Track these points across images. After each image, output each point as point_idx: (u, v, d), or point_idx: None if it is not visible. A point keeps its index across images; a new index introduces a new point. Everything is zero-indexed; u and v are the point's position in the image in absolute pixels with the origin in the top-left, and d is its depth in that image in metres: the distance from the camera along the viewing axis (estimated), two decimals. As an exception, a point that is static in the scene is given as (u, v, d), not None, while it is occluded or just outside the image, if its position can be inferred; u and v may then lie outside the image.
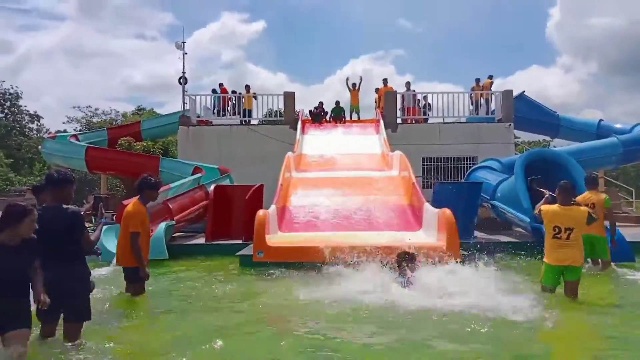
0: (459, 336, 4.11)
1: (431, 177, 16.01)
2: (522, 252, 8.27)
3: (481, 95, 17.49)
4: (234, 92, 17.72)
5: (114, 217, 10.50)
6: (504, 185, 10.36)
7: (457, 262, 7.20)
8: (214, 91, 17.90)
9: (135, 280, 5.54)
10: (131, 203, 5.63)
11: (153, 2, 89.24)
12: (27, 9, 75.22)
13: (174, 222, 9.56)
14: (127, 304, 5.48)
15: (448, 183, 12.47)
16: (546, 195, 5.78)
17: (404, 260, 6.06)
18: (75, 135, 19.22)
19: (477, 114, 17.38)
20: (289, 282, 6.55)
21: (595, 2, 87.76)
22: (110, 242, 8.65)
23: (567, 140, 19.40)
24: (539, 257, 5.71)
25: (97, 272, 7.19)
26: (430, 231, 8.44)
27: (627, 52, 78.78)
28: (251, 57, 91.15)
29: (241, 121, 17.35)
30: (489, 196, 10.74)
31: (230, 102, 17.44)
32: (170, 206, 9.78)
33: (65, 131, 29.60)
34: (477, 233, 10.41)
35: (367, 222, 9.79)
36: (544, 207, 5.26)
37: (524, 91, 18.56)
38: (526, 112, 17.70)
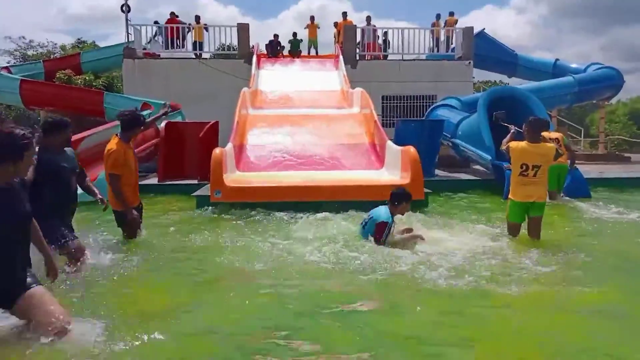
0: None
1: (391, 116, 15.79)
2: (484, 189, 8.32)
3: (442, 32, 17.08)
4: (181, 22, 16.38)
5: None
6: (465, 124, 10.27)
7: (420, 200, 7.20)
8: (156, 22, 16.51)
9: (121, 223, 5.06)
10: (111, 141, 4.96)
11: None
12: None
13: (122, 162, 8.89)
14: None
15: (410, 120, 12.30)
16: (512, 130, 5.62)
17: (404, 200, 4.99)
18: (7, 68, 17.48)
19: (438, 51, 17.04)
20: (255, 225, 6.20)
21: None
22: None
23: (523, 80, 19.57)
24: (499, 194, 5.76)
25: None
26: (393, 170, 8.26)
27: None
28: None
29: (195, 54, 16.22)
30: (450, 134, 10.66)
31: (179, 34, 16.15)
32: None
33: (-5, 64, 26.95)
34: (437, 171, 10.40)
35: (328, 161, 9.49)
36: (513, 144, 5.09)
37: (484, 29, 18.31)
38: (486, 50, 17.52)
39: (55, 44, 34.90)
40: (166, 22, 16.19)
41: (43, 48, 34.50)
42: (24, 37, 34.89)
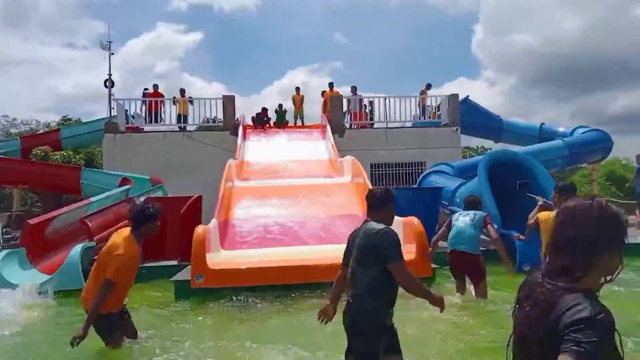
0: None
1: (380, 184, 15.34)
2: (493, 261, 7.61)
3: (426, 100, 17.15)
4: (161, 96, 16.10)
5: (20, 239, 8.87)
6: (464, 190, 9.76)
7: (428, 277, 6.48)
8: (145, 90, 16.23)
9: (104, 329, 3.95)
10: (122, 237, 3.97)
11: (85, 11, 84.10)
12: None
13: (93, 243, 8.06)
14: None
15: (406, 189, 11.79)
16: (540, 203, 5.10)
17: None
18: (-19, 145, 16.85)
19: (424, 118, 17.00)
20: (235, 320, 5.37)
21: (513, 21, 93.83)
22: (10, 271, 7.07)
23: (509, 145, 19.58)
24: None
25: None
26: (393, 243, 7.56)
27: (542, 67, 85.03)
28: (187, 67, 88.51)
29: (179, 127, 15.84)
30: (447, 202, 10.13)
31: (162, 107, 15.85)
32: (90, 224, 8.27)
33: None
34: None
35: (321, 234, 8.79)
36: (543, 216, 4.52)
37: (468, 96, 18.50)
38: (471, 116, 17.56)
39: (39, 121, 34.83)
40: (149, 95, 15.94)
41: (26, 125, 34.35)
42: (6, 115, 34.72)
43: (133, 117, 15.82)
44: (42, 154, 15.72)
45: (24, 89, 68.48)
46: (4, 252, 7.43)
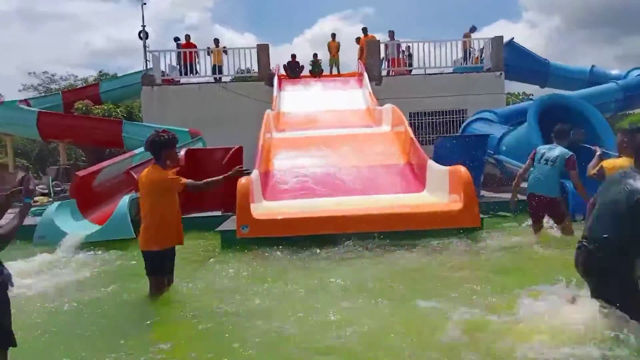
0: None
1: (420, 133, 14.94)
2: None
3: (470, 43, 16.29)
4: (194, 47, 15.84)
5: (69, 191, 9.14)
6: (510, 138, 9.37)
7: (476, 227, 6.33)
8: (176, 39, 16.05)
9: (151, 271, 4.16)
10: (146, 172, 4.19)
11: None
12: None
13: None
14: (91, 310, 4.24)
15: (451, 136, 11.41)
16: (598, 152, 4.80)
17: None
18: (25, 101, 17.26)
19: (466, 63, 16.22)
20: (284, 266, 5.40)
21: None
22: (64, 222, 7.32)
23: (556, 90, 18.58)
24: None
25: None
26: (438, 192, 7.38)
27: (586, 6, 79.30)
28: (218, 18, 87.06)
29: (214, 79, 15.73)
30: (492, 150, 9.76)
31: (197, 58, 15.66)
32: (135, 175, 8.40)
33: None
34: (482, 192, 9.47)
35: (362, 185, 8.67)
36: (608, 164, 4.22)
37: (513, 38, 17.46)
38: (515, 60, 16.64)
39: (77, 76, 35.41)
40: (182, 46, 15.75)
41: (65, 81, 35.02)
42: (46, 72, 35.44)
43: (166, 70, 15.75)
44: (84, 108, 16.00)
45: (57, 45, 69.41)
46: (56, 203, 7.69)
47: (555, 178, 5.69)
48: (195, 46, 15.83)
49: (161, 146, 4.10)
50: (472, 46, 16.34)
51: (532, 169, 5.90)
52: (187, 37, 16.04)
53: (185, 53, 15.31)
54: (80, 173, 8.41)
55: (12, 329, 2.56)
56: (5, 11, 65.82)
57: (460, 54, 16.21)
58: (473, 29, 16.51)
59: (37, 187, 3.54)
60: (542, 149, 5.91)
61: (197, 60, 15.61)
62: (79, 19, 71.70)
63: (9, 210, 2.84)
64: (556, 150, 5.69)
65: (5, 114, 14.93)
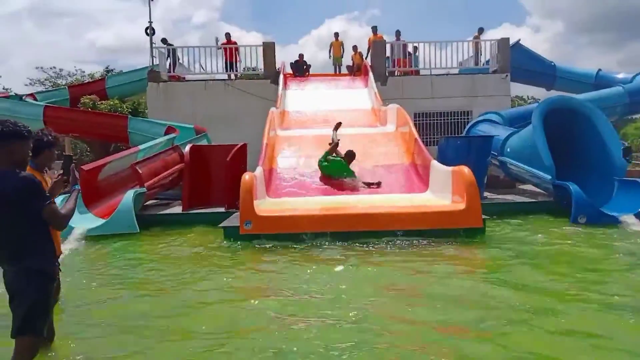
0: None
1: (425, 134, 14.93)
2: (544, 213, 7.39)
3: (476, 44, 16.25)
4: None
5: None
6: (515, 140, 9.35)
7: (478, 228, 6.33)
8: (164, 41, 16.11)
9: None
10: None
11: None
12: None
13: (144, 190, 8.28)
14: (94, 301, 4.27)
15: (455, 137, 11.41)
16: None
17: None
18: (32, 95, 17.32)
19: (479, 64, 16.15)
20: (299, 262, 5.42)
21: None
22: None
23: (561, 93, 18.51)
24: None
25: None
26: (441, 193, 7.39)
27: (589, 12, 79.05)
28: (224, 17, 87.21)
29: (228, 75, 15.77)
30: (497, 152, 9.74)
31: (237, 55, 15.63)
32: (140, 170, 8.47)
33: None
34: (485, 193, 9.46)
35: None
36: None
37: (519, 40, 17.42)
38: (522, 62, 16.59)
39: (84, 72, 35.47)
40: (223, 44, 15.81)
41: (72, 77, 35.10)
42: (54, 67, 35.53)
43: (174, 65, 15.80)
44: (91, 102, 16.05)
45: (65, 41, 69.62)
46: (62, 196, 7.70)
47: None
48: (236, 44, 15.88)
49: (44, 146, 3.31)
50: (479, 48, 16.29)
51: None
52: (228, 35, 16.08)
53: (226, 50, 15.35)
54: (86, 167, 8.45)
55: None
56: (15, 8, 66.23)
57: (466, 56, 16.18)
58: (481, 30, 16.47)
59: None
60: None
61: (238, 58, 15.64)
62: (87, 16, 72.05)
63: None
64: None
65: (11, 107, 14.98)
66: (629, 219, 6.95)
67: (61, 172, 2.97)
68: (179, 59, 16.07)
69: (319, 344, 3.03)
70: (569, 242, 6.06)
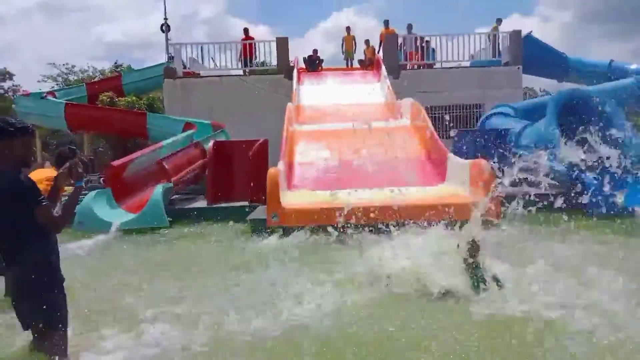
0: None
1: (437, 127, 15.07)
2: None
3: (494, 36, 16.32)
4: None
5: (103, 181, 9.52)
6: (529, 132, 9.54)
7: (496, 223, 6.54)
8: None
9: None
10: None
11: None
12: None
13: (171, 184, 8.61)
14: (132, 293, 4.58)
15: (470, 130, 11.59)
16: None
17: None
18: (51, 92, 17.72)
19: (493, 57, 16.22)
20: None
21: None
22: (101, 209, 7.72)
23: (574, 84, 18.54)
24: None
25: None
26: (458, 185, 7.62)
27: (601, 1, 77.88)
28: (231, 10, 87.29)
29: (243, 71, 16.09)
30: (511, 144, 9.92)
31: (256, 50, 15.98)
32: (166, 166, 8.79)
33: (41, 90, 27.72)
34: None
35: (383, 177, 8.92)
36: None
37: (531, 31, 17.46)
38: (534, 54, 16.64)
39: (96, 68, 35.96)
40: (242, 39, 16.11)
41: (84, 73, 35.59)
42: (66, 63, 36.01)
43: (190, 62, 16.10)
44: (109, 99, 16.41)
45: (73, 37, 70.14)
46: (93, 192, 8.05)
47: None
48: (253, 39, 16.17)
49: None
50: (490, 40, 16.37)
51: None
52: (246, 30, 16.38)
53: (245, 46, 15.72)
54: (115, 163, 8.79)
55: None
56: (26, 4, 66.80)
57: (478, 48, 16.29)
58: (499, 21, 16.53)
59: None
60: None
61: (256, 54, 15.93)
62: (94, 12, 72.43)
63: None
64: None
65: (33, 105, 15.39)
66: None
67: (67, 165, 2.88)
68: (194, 56, 16.35)
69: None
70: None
